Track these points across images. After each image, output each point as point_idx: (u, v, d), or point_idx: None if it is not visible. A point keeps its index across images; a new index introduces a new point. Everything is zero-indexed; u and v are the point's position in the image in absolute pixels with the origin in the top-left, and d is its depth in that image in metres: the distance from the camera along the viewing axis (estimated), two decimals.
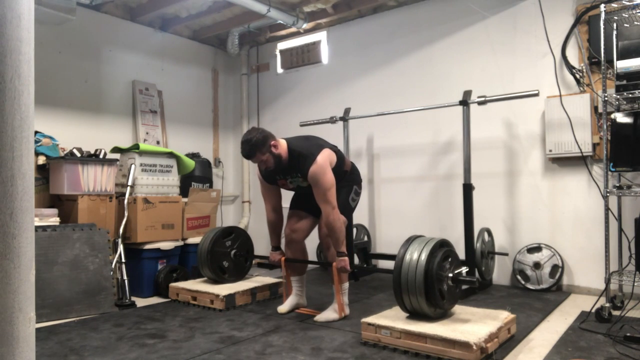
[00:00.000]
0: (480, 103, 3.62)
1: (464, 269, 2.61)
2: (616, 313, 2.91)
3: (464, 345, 2.15)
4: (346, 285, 3.04)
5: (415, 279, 2.40)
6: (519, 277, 3.79)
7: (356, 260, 4.44)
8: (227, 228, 3.70)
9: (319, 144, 2.94)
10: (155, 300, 3.68)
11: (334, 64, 5.07)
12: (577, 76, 3.67)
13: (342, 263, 2.86)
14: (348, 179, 3.12)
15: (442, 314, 2.52)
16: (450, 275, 2.50)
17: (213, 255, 3.53)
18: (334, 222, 2.81)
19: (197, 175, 4.80)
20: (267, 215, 3.20)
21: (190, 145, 5.27)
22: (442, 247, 2.53)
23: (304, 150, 2.88)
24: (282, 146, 2.91)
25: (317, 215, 3.08)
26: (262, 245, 5.44)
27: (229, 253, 3.62)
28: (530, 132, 3.91)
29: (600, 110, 3.37)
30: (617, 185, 3.03)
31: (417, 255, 2.45)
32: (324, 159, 2.85)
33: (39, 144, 3.65)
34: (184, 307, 3.38)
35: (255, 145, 2.80)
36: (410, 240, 2.58)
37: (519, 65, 3.96)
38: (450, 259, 2.53)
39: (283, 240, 3.23)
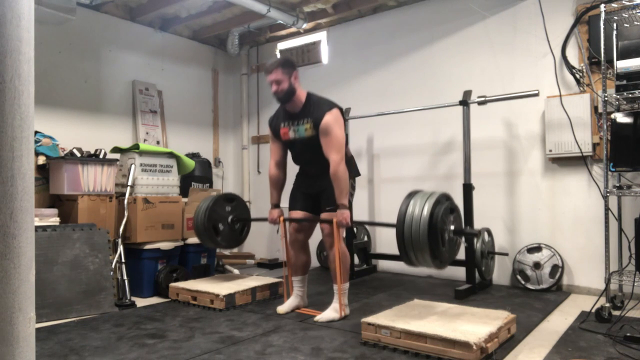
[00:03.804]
0: (480, 103, 3.62)
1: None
2: (616, 313, 2.91)
3: (464, 345, 2.15)
4: (346, 285, 3.04)
5: (419, 228, 2.35)
6: (519, 277, 3.79)
7: (356, 260, 4.45)
8: (229, 194, 3.70)
9: (339, 105, 3.08)
10: (155, 300, 3.68)
11: (334, 64, 5.07)
12: (577, 76, 3.67)
13: (342, 217, 2.87)
14: None
15: (440, 266, 2.48)
16: (453, 227, 2.48)
17: (211, 213, 3.50)
18: (341, 172, 2.87)
19: (197, 175, 4.81)
20: (269, 171, 3.23)
21: (190, 145, 5.27)
22: (448, 200, 2.51)
23: (323, 100, 3.04)
24: (301, 90, 3.07)
25: (317, 212, 3.10)
26: (262, 244, 5.45)
27: (227, 218, 3.61)
28: (530, 132, 3.91)
29: (600, 110, 3.37)
30: (617, 185, 3.04)
31: (420, 205, 2.41)
32: (340, 115, 2.99)
33: (39, 144, 3.65)
34: (184, 307, 3.38)
35: (284, 61, 3.02)
36: (412, 194, 2.53)
37: (519, 65, 3.96)
38: (454, 213, 2.51)
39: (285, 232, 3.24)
